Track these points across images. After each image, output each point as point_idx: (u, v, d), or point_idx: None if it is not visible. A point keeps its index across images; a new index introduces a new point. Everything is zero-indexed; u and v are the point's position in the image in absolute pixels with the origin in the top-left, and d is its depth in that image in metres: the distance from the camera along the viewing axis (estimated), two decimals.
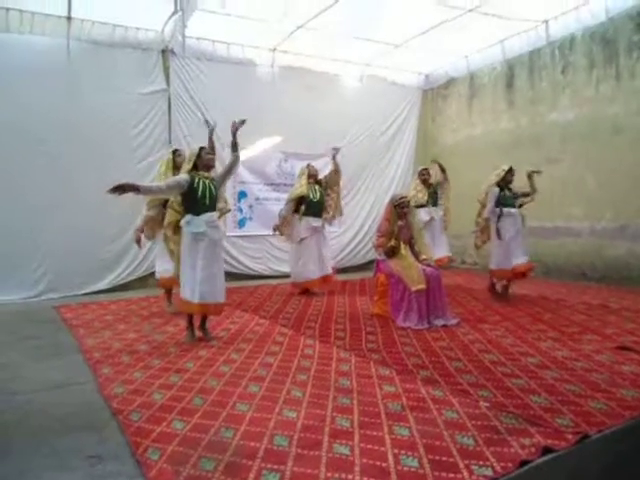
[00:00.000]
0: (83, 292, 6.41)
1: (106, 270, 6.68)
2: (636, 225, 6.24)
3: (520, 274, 5.37)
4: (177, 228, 4.00)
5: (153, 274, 6.90)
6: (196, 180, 3.82)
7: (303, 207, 6.06)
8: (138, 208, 6.79)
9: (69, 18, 6.13)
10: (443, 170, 6.70)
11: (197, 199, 3.81)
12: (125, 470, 2.00)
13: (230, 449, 2.11)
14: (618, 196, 6.38)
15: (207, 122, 4.81)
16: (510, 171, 5.37)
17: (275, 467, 1.95)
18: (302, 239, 6.04)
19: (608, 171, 6.49)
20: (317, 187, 6.19)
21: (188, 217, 3.84)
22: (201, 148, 4.00)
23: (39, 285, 6.20)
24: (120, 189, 3.30)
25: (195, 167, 3.93)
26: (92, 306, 5.60)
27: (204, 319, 4.11)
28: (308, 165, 6.31)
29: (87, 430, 2.37)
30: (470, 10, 6.57)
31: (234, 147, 4.03)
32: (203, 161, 3.94)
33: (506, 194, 5.36)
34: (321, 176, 6.40)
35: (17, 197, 6.06)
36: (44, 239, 6.20)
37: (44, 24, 6.09)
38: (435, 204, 6.70)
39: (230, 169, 4.13)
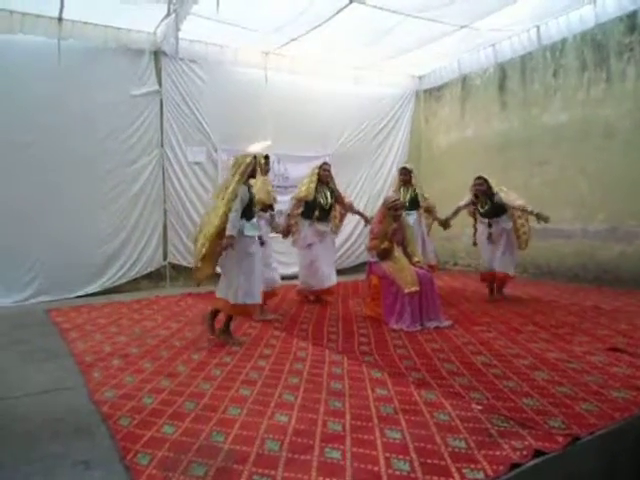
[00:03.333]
0: (75, 295, 6.34)
1: (98, 273, 6.61)
2: (627, 227, 6.28)
3: (498, 280, 5.61)
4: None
5: (146, 276, 6.94)
6: (250, 189, 3.93)
7: (316, 212, 5.50)
8: (129, 211, 6.79)
9: (60, 19, 6.08)
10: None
11: (251, 206, 3.95)
12: (113, 476, 1.98)
13: (221, 454, 2.09)
14: (609, 198, 6.41)
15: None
16: (476, 180, 5.47)
17: (266, 472, 1.94)
18: (310, 244, 5.52)
19: (599, 173, 6.52)
20: (327, 192, 5.58)
21: (244, 222, 3.84)
22: (265, 156, 4.11)
23: (29, 288, 6.12)
24: (225, 249, 3.69)
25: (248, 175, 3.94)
26: (83, 309, 5.54)
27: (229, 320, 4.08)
28: (321, 166, 5.61)
29: (75, 435, 2.34)
30: (462, 27, 6.69)
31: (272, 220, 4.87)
32: (261, 168, 4.06)
33: (479, 208, 5.54)
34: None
35: (6, 201, 5.97)
36: (35, 243, 6.13)
37: (35, 25, 6.03)
38: (413, 208, 5.95)
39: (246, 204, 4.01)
